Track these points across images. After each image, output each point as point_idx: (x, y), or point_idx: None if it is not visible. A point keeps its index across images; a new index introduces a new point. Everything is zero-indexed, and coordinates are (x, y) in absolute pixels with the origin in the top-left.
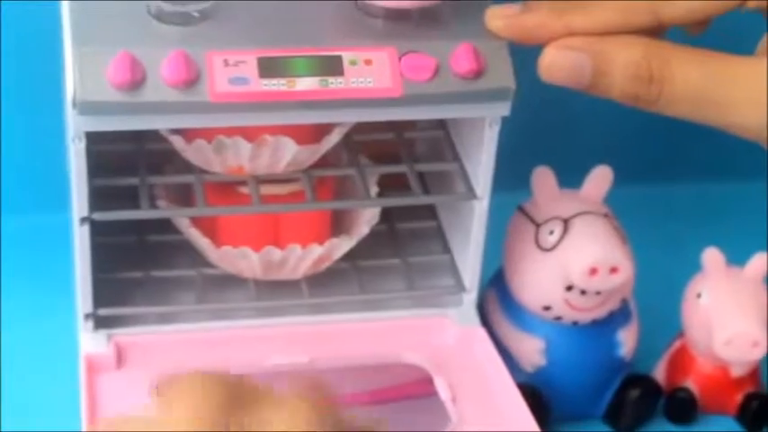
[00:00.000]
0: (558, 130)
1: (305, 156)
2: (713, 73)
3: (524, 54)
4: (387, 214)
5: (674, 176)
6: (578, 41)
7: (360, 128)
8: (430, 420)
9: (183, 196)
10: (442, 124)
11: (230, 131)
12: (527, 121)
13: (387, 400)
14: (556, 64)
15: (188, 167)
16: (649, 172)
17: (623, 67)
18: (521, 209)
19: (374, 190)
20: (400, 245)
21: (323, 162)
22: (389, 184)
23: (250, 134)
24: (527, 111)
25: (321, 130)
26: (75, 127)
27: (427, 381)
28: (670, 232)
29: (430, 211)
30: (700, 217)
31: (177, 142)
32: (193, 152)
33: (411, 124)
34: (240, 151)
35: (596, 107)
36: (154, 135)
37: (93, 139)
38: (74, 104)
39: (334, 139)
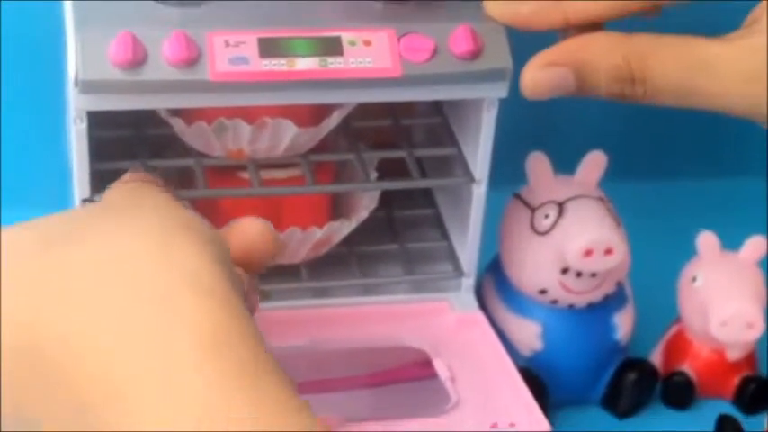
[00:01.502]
0: (554, 121)
1: (304, 139)
2: (691, 64)
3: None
4: (385, 201)
5: (672, 168)
6: (556, 55)
7: (358, 114)
8: (429, 401)
9: (183, 181)
10: (439, 111)
11: (231, 113)
12: (523, 113)
13: (386, 383)
14: (539, 82)
15: (188, 152)
16: (646, 164)
17: (606, 73)
18: (516, 195)
19: (373, 175)
20: (398, 232)
21: (321, 148)
22: (388, 171)
23: (250, 116)
24: (523, 103)
25: (320, 113)
26: (77, 106)
27: (426, 363)
28: (667, 223)
29: (428, 199)
30: (698, 209)
31: (177, 125)
32: (194, 135)
33: (409, 111)
34: (240, 134)
35: (590, 102)
36: (153, 120)
37: (94, 123)
38: (76, 83)
39: (333, 122)
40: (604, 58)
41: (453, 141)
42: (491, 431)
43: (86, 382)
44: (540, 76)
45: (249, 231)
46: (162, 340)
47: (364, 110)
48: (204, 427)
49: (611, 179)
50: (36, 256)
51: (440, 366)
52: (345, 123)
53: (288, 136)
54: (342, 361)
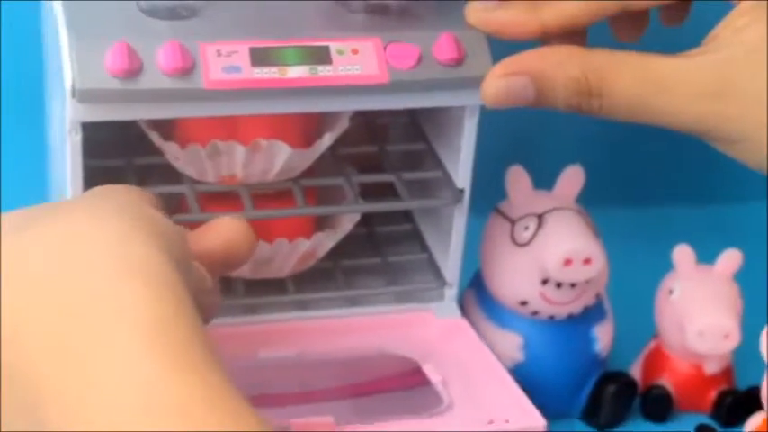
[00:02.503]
0: (533, 139)
1: (297, 161)
2: (647, 81)
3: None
4: (365, 218)
5: (652, 191)
6: (516, 65)
7: (345, 140)
8: (422, 405)
9: (171, 206)
10: (423, 136)
11: (225, 133)
12: (502, 132)
13: (376, 391)
14: (499, 92)
15: (178, 180)
16: (628, 186)
17: (564, 86)
18: (496, 209)
19: (355, 186)
20: (380, 247)
21: (309, 172)
22: (371, 189)
23: (244, 138)
24: (502, 122)
25: (312, 134)
26: (73, 117)
27: (415, 371)
28: (649, 245)
29: (406, 216)
30: (682, 233)
31: (171, 149)
32: (187, 159)
33: (393, 137)
34: (234, 157)
35: (572, 125)
36: (143, 148)
37: (84, 151)
38: (73, 93)
39: (325, 143)
40: (563, 70)
41: (437, 163)
42: (488, 429)
43: (30, 365)
44: (499, 84)
45: (228, 228)
46: (105, 327)
47: (350, 136)
48: (145, 411)
49: (594, 202)
50: (4, 237)
51: (430, 371)
52: (332, 149)
53: (281, 159)
54: (330, 371)
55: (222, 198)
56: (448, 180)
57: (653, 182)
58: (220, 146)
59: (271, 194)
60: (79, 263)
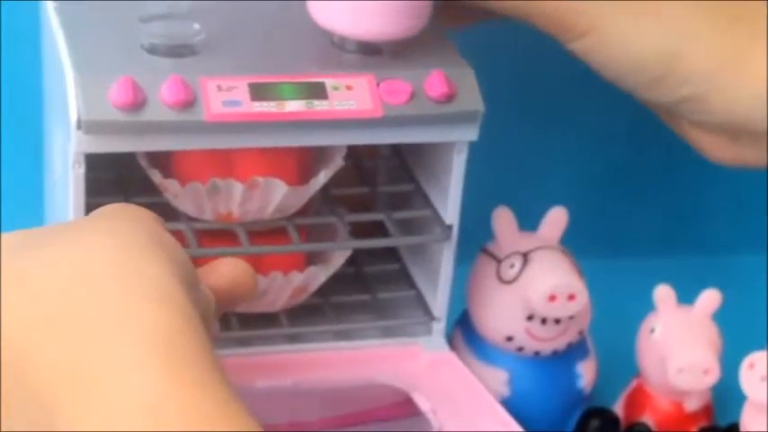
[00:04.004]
0: (518, 184)
1: (293, 199)
2: None
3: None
4: (354, 258)
5: (641, 241)
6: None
7: (337, 181)
8: None
9: None
10: (411, 177)
11: (222, 173)
12: (488, 176)
13: (366, 422)
14: None
15: (174, 218)
16: (613, 234)
17: None
18: (483, 249)
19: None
20: (369, 284)
21: (302, 211)
22: (360, 230)
23: (242, 176)
24: (488, 164)
25: (308, 173)
26: (77, 149)
27: (405, 402)
28: (630, 287)
29: (394, 255)
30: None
31: (172, 186)
32: (187, 197)
33: (382, 178)
34: (232, 194)
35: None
36: (141, 186)
37: (84, 190)
38: (78, 125)
39: (320, 181)
40: None
41: (426, 201)
42: None
43: (43, 382)
44: None
45: (233, 268)
46: (116, 342)
47: (343, 177)
48: (154, 420)
49: (578, 244)
50: (6, 261)
51: (420, 399)
52: (324, 191)
53: (277, 196)
54: (322, 402)
55: (219, 235)
56: (436, 218)
57: (637, 227)
58: (219, 183)
59: (266, 231)
60: (89, 279)
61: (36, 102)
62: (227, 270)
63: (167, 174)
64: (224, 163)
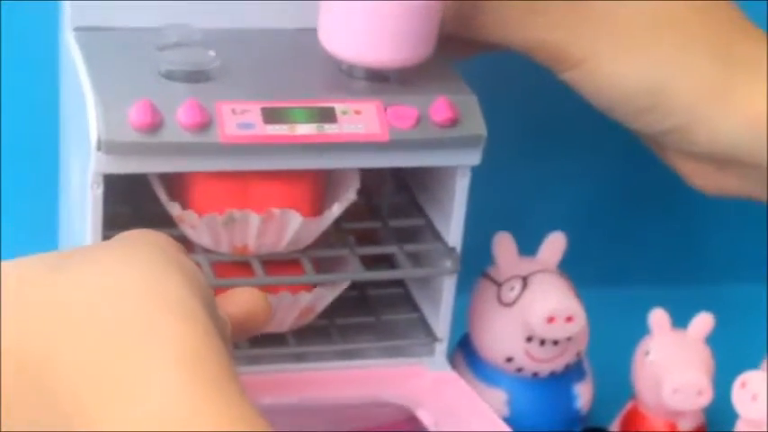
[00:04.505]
0: (518, 211)
1: (308, 230)
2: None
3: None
4: (358, 283)
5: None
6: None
7: (349, 215)
8: None
9: None
10: (422, 212)
11: (239, 205)
12: (488, 205)
13: None
14: None
15: (190, 251)
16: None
17: None
18: (484, 274)
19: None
20: (372, 308)
21: (313, 242)
22: (366, 256)
23: (257, 209)
24: (489, 193)
25: (321, 206)
26: (96, 169)
27: (408, 420)
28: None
29: (398, 280)
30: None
31: (189, 218)
32: (204, 228)
33: (395, 212)
34: (248, 226)
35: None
36: (157, 220)
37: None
38: (98, 146)
39: (334, 213)
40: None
41: (436, 235)
42: None
43: (70, 395)
44: None
45: (249, 297)
46: (144, 357)
47: (355, 211)
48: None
49: (576, 269)
50: (36, 279)
51: (424, 416)
52: (337, 224)
53: (292, 228)
54: (326, 419)
55: (234, 266)
56: (443, 247)
57: (635, 254)
58: (236, 215)
59: (280, 261)
60: (114, 295)
61: (52, 130)
62: (243, 299)
63: (185, 207)
64: (239, 196)
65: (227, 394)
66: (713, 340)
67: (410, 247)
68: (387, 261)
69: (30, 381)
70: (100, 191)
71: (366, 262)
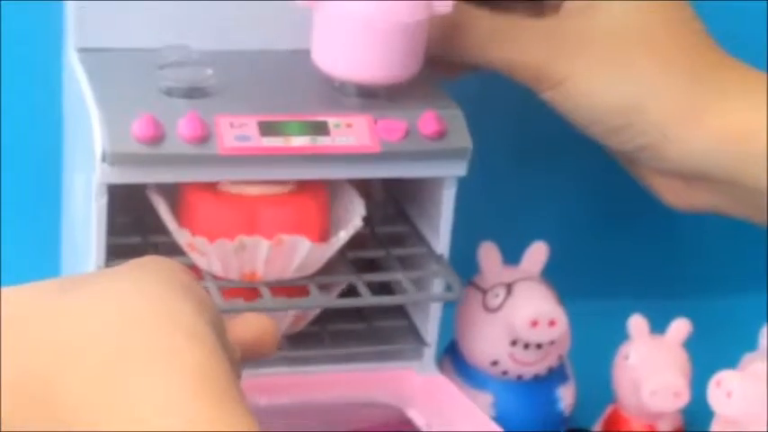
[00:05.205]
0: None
1: (315, 256)
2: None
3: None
4: (351, 291)
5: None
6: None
7: (354, 244)
8: None
9: None
10: (423, 240)
11: (248, 232)
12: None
13: None
14: None
15: (199, 278)
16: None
17: None
18: (470, 282)
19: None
20: (364, 315)
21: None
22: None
23: (267, 233)
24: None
25: (328, 230)
26: (101, 179)
27: (399, 421)
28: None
29: (388, 289)
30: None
31: (200, 244)
32: (215, 254)
33: (398, 240)
34: (258, 252)
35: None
36: (163, 250)
37: (110, 250)
38: (103, 157)
39: (341, 239)
40: None
41: (433, 257)
42: None
43: (73, 411)
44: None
45: (258, 323)
46: (153, 372)
47: (360, 241)
48: None
49: (559, 279)
50: (45, 304)
51: (415, 415)
52: (341, 253)
53: (301, 254)
54: (319, 420)
55: (242, 292)
56: (448, 272)
57: (617, 266)
58: (246, 241)
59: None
60: (123, 317)
61: (55, 145)
62: (253, 325)
63: (197, 226)
64: (248, 224)
65: (229, 410)
66: (691, 351)
67: (411, 274)
68: (377, 267)
69: (34, 400)
70: (104, 201)
71: (359, 267)
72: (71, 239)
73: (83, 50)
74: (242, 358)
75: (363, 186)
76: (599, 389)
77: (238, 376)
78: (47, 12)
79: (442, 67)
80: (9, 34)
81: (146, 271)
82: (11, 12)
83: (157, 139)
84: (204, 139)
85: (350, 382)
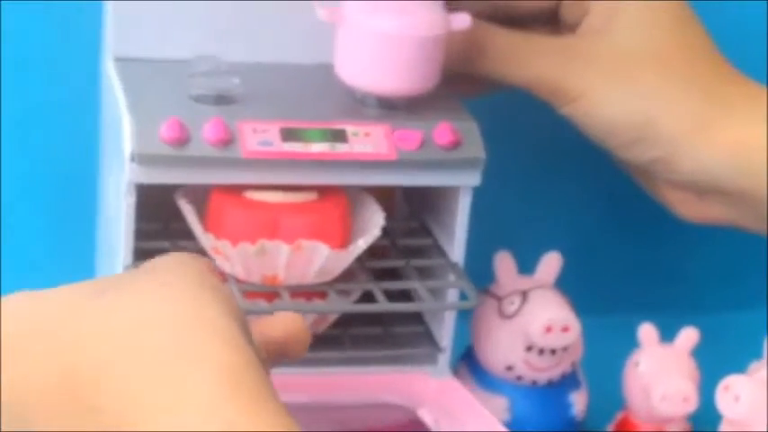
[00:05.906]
0: (516, 232)
1: (334, 263)
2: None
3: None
4: (368, 297)
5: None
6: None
7: (373, 252)
8: None
9: None
10: (442, 252)
11: (269, 237)
12: (489, 226)
13: None
14: None
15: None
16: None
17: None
18: (485, 290)
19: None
20: (382, 321)
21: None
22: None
23: (288, 238)
24: (489, 215)
25: (347, 241)
26: (130, 178)
27: (411, 422)
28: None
29: (406, 295)
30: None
31: (224, 248)
32: (237, 258)
33: (418, 251)
34: (278, 256)
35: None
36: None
37: (137, 252)
38: (132, 157)
39: (360, 247)
40: None
41: (449, 265)
42: None
43: (115, 413)
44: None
45: (289, 322)
46: (187, 373)
47: (379, 250)
48: None
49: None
50: (80, 306)
51: (425, 415)
52: (360, 262)
53: (320, 259)
54: (332, 419)
55: (263, 295)
56: (463, 281)
57: (629, 280)
58: (267, 245)
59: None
60: (158, 318)
61: (93, 156)
62: (282, 323)
63: (220, 231)
64: (269, 229)
65: (266, 410)
66: (698, 361)
67: (429, 283)
68: (397, 276)
69: (77, 400)
70: (132, 200)
71: (378, 275)
72: (105, 241)
73: (119, 60)
74: (273, 358)
75: (386, 200)
76: (610, 396)
77: (268, 374)
78: (88, 22)
79: (462, 86)
80: (51, 45)
81: (175, 272)
82: (55, 24)
83: (183, 141)
84: (228, 142)
85: (366, 383)
